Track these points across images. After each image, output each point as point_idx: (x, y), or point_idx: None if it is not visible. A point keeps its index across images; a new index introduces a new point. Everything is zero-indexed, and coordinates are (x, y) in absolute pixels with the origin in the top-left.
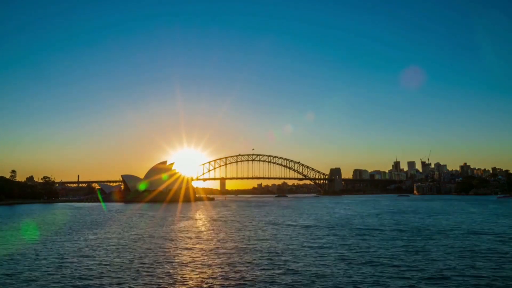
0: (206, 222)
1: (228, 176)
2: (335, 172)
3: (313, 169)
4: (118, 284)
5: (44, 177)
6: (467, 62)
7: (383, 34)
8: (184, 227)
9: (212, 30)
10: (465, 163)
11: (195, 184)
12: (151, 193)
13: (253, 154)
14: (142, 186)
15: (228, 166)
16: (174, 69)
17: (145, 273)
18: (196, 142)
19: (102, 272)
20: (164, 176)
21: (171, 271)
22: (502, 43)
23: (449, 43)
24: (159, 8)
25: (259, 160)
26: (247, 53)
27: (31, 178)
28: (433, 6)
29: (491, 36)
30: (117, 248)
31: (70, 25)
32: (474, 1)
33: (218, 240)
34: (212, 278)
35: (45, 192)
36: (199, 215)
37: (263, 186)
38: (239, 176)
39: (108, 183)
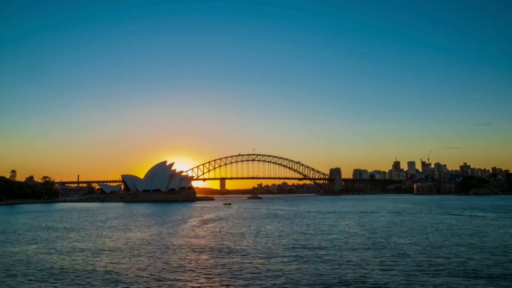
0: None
1: (228, 176)
2: (335, 172)
3: (313, 169)
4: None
5: (44, 177)
6: (467, 62)
7: (383, 35)
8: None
9: (212, 28)
10: (465, 163)
11: (195, 184)
12: (151, 193)
13: (253, 154)
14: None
15: (228, 166)
16: (174, 69)
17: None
18: (196, 141)
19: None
20: (164, 176)
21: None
22: (503, 43)
23: (449, 43)
24: (159, 6)
25: (259, 160)
26: (248, 53)
27: (31, 178)
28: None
29: (491, 37)
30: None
31: (70, 24)
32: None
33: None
34: None
35: (45, 192)
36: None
37: (263, 186)
38: (239, 176)
39: (108, 183)
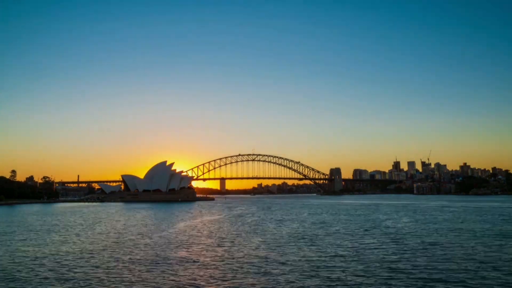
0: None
1: (228, 176)
2: (335, 172)
3: (313, 169)
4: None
5: (44, 177)
6: (467, 62)
7: (383, 34)
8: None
9: (212, 29)
10: (465, 163)
11: (195, 184)
12: (151, 193)
13: (253, 154)
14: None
15: (228, 166)
16: (174, 69)
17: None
18: (196, 141)
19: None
20: (164, 176)
21: None
22: (503, 42)
23: (450, 42)
24: (160, 6)
25: (259, 160)
26: (248, 53)
27: (31, 178)
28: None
29: (492, 36)
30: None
31: (70, 24)
32: None
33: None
34: None
35: (45, 192)
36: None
37: (263, 186)
38: (239, 176)
39: (108, 183)
